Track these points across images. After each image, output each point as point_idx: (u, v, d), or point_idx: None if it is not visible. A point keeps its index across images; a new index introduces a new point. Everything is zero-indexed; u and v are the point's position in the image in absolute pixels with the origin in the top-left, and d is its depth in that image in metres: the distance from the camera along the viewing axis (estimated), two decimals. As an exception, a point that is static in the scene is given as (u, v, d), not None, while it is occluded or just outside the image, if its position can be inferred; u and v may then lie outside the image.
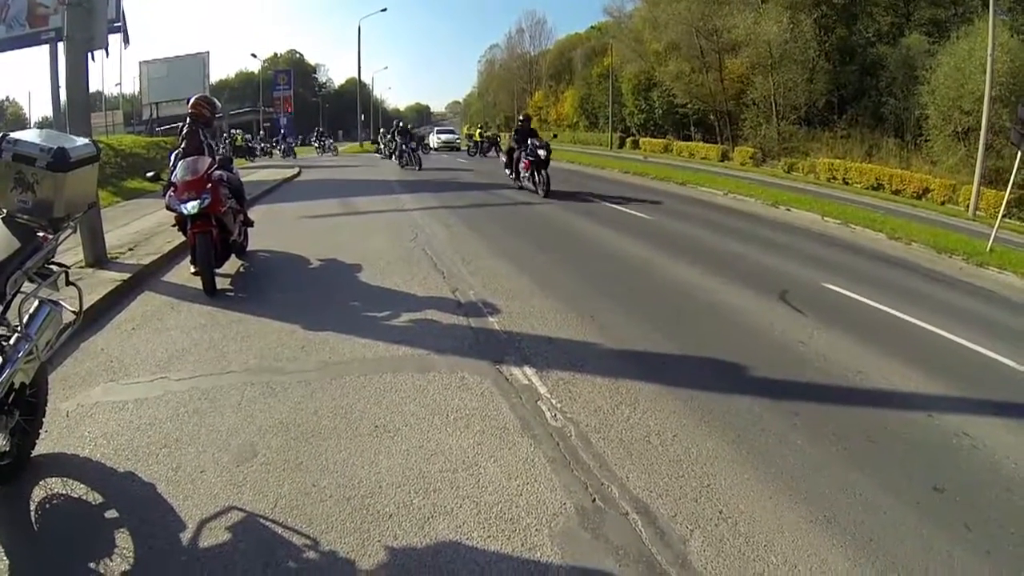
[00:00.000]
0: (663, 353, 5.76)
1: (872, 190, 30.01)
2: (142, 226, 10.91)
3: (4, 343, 3.23)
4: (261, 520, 3.22)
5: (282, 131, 46.68)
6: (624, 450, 4.03)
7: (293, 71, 72.34)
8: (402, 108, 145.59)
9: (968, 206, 23.77)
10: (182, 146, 7.61)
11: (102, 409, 4.35)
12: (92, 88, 9.39)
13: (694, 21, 45.36)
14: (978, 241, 13.13)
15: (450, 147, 44.49)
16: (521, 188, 18.22)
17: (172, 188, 7.09)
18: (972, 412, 4.98)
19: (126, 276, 7.37)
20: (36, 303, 3.48)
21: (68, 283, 3.75)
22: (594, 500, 3.49)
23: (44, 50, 11.34)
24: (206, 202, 6.87)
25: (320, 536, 3.10)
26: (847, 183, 31.92)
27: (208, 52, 46.74)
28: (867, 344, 6.34)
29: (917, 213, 22.03)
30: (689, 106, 48.63)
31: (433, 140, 46.15)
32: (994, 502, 3.78)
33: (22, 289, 3.35)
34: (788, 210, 16.21)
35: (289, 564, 2.91)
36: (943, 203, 26.54)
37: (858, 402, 5.03)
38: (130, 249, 8.86)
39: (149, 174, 8.12)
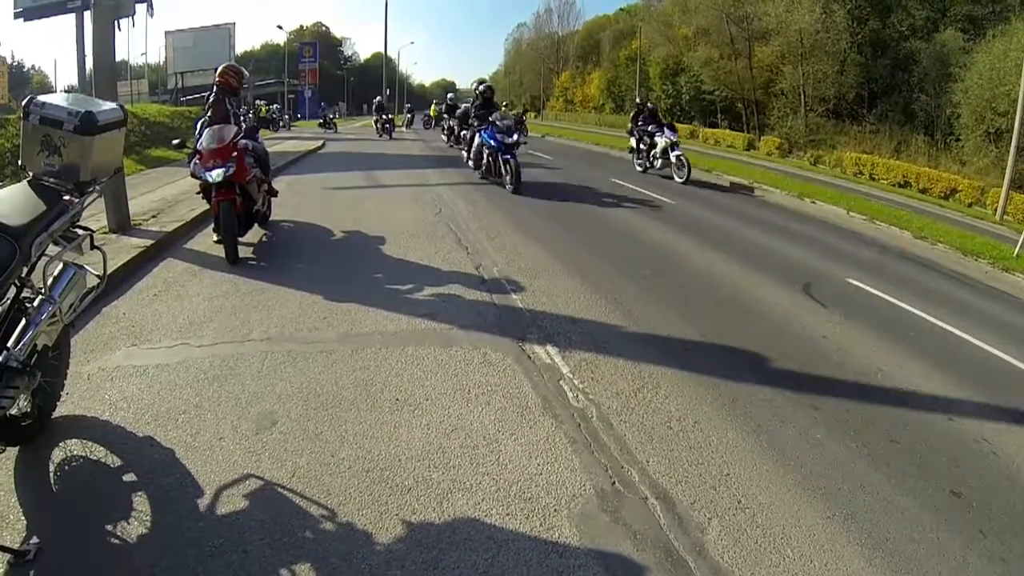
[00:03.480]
0: (686, 339, 5.71)
1: (899, 187, 29.50)
2: (165, 194, 10.94)
3: (28, 305, 3.24)
4: (279, 489, 3.22)
5: (276, 104, 46.56)
6: (645, 434, 4.00)
7: (319, 44, 72.24)
8: (427, 84, 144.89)
9: (996, 209, 23.34)
10: (208, 114, 7.60)
11: (123, 373, 4.37)
12: (117, 58, 9.39)
13: (725, 7, 44.86)
14: (1005, 245, 12.90)
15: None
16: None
17: (197, 156, 7.10)
18: (992, 418, 4.89)
19: (149, 243, 7.40)
20: (60, 266, 3.48)
21: (92, 247, 3.75)
22: (614, 483, 3.47)
23: (70, 19, 11.32)
24: (231, 170, 6.88)
25: (338, 507, 3.10)
26: (874, 179, 31.43)
27: (234, 23, 47.03)
28: (889, 342, 6.26)
29: (943, 213, 21.67)
30: (716, 93, 48.16)
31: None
32: (1010, 510, 3.72)
33: (47, 252, 3.34)
34: (813, 203, 16.02)
35: (306, 534, 2.90)
36: (970, 205, 26.06)
37: (879, 400, 4.96)
38: (153, 216, 8.89)
39: (175, 141, 8.18)
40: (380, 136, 31.54)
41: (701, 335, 5.83)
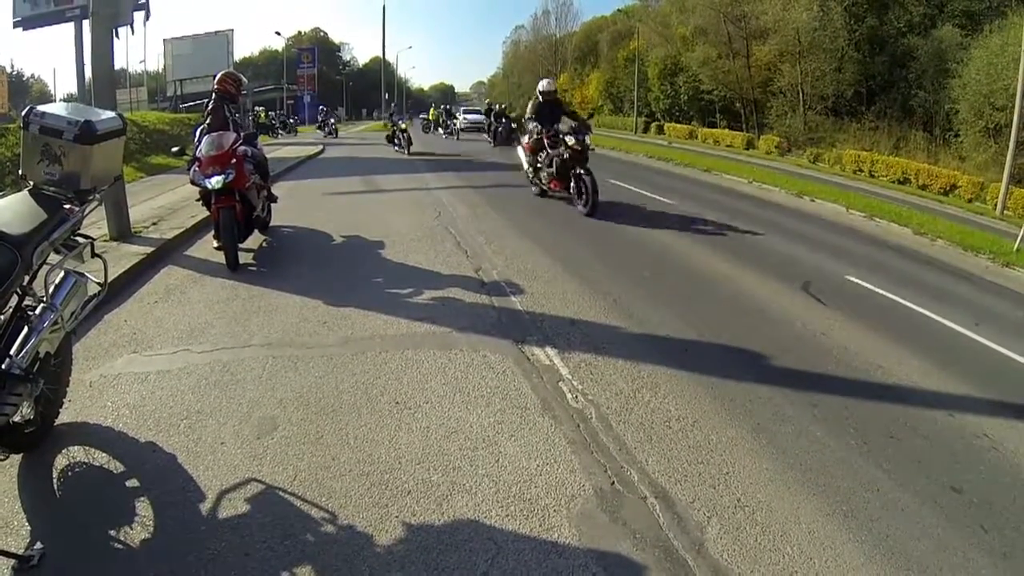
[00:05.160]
0: (685, 339, 5.72)
1: (898, 184, 29.51)
2: (166, 201, 10.97)
3: (30, 313, 3.26)
4: (280, 493, 3.24)
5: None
6: (644, 434, 4.02)
7: (317, 49, 72.37)
8: (426, 88, 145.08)
9: (996, 204, 23.30)
10: (207, 121, 7.64)
11: (124, 380, 4.39)
12: (116, 66, 9.43)
13: (722, 6, 44.86)
14: (1005, 240, 12.88)
15: (477, 127, 43.98)
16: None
17: (197, 163, 7.13)
18: (992, 414, 4.90)
19: (150, 250, 7.42)
20: (62, 274, 3.50)
21: (93, 255, 3.77)
22: (613, 483, 3.48)
23: (69, 28, 11.38)
24: (230, 177, 6.90)
25: (338, 510, 3.12)
26: (873, 176, 31.46)
27: (232, 30, 46.86)
28: (889, 339, 6.26)
29: (943, 209, 21.66)
30: (715, 93, 48.14)
31: (459, 120, 45.79)
32: (1011, 505, 3.72)
33: (48, 260, 3.36)
34: (813, 201, 16.03)
35: (307, 537, 2.92)
36: (970, 200, 26.05)
37: (878, 397, 4.97)
38: (154, 223, 8.91)
39: (174, 149, 8.20)
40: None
41: (700, 335, 5.84)
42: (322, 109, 41.06)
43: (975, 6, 34.71)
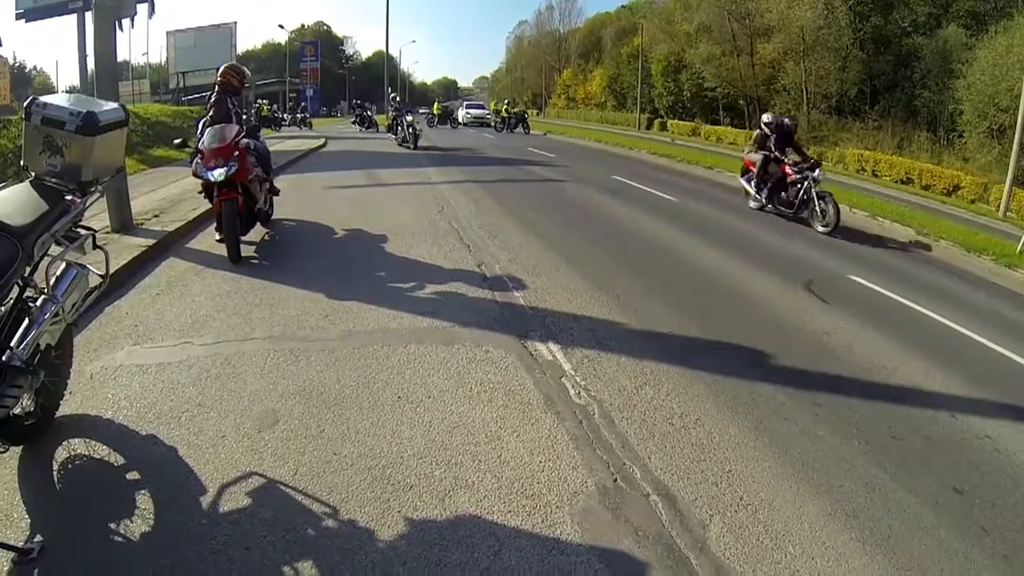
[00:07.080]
0: (688, 336, 5.71)
1: (901, 184, 29.48)
2: (168, 193, 10.94)
3: (31, 304, 3.24)
4: (281, 487, 3.22)
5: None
6: (647, 431, 4.01)
7: (320, 43, 72.32)
8: (429, 82, 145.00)
9: (999, 206, 23.26)
10: (210, 114, 7.61)
11: (125, 372, 4.37)
12: (119, 58, 9.39)
13: (726, 3, 44.87)
14: (1008, 242, 12.84)
15: (480, 122, 44.02)
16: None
17: (199, 155, 7.10)
18: (995, 415, 4.89)
19: (151, 242, 7.39)
20: (63, 266, 3.49)
21: (95, 247, 3.75)
22: (615, 480, 3.47)
23: (72, 19, 11.30)
24: (232, 169, 6.88)
25: (340, 505, 3.10)
26: (876, 175, 31.44)
27: (235, 22, 46.95)
28: (891, 339, 6.24)
29: (946, 210, 21.62)
30: (718, 90, 48.19)
31: (462, 115, 45.85)
32: (1013, 506, 3.72)
33: (49, 252, 3.35)
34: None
35: (308, 532, 2.91)
36: (973, 201, 26.02)
37: (881, 397, 4.96)
38: (156, 216, 8.88)
39: (176, 141, 8.18)
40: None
41: (703, 332, 5.83)
42: (394, 98, 28.45)
43: (980, 7, 34.73)
